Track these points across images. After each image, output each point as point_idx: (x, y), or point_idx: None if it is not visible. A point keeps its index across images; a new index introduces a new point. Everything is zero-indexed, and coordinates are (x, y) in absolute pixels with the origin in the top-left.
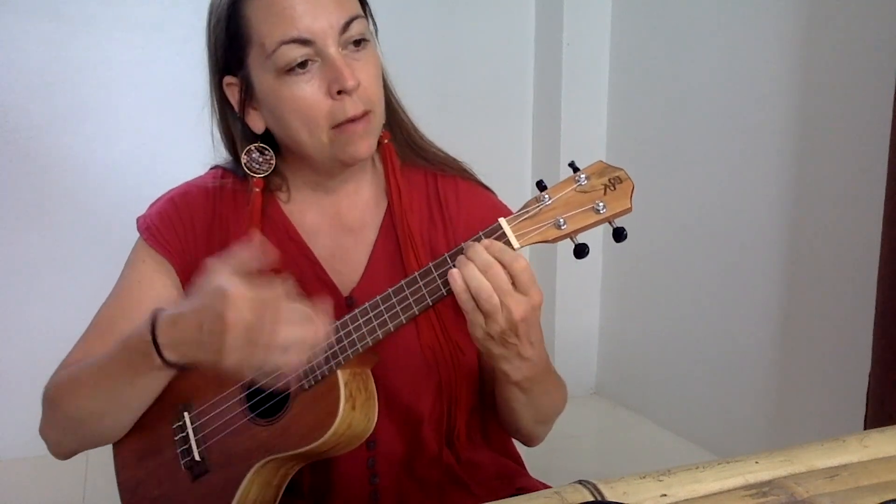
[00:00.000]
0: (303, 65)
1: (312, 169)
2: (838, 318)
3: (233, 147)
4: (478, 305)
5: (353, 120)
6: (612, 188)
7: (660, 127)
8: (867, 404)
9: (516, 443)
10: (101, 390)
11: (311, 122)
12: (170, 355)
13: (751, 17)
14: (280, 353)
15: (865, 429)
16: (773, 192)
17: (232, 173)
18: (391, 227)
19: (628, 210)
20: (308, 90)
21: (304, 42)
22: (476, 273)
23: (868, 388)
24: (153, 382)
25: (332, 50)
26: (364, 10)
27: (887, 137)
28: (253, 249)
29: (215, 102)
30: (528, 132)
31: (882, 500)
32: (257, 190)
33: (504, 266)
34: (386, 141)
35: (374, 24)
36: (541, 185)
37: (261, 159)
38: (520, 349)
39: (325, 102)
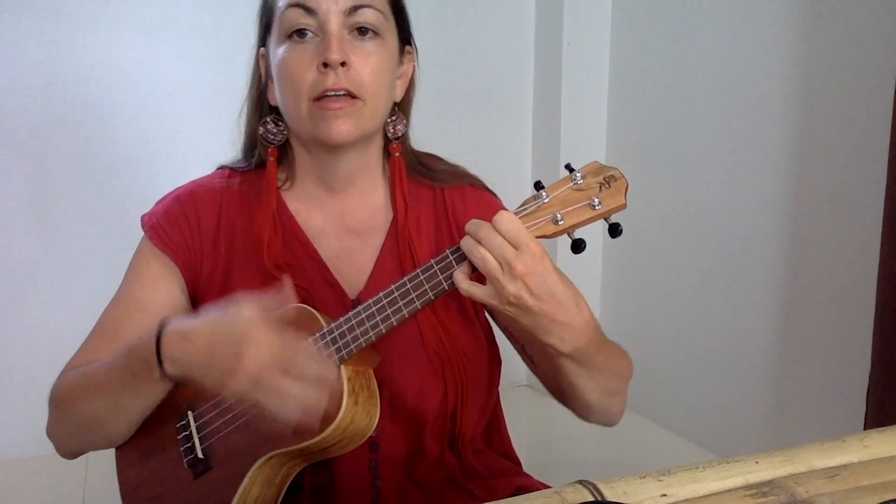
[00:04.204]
0: (301, 33)
1: (311, 157)
2: (838, 318)
3: (256, 124)
4: (483, 267)
5: (332, 96)
6: (608, 186)
7: (659, 127)
8: (867, 404)
9: (515, 444)
10: (104, 395)
11: (297, 91)
12: (170, 368)
13: (751, 16)
14: (278, 401)
15: (865, 429)
16: (772, 192)
17: (240, 172)
18: (397, 234)
19: (623, 206)
20: (300, 58)
21: (308, 10)
22: (467, 239)
23: (868, 388)
24: (154, 392)
25: (333, 27)
26: (397, 18)
27: (887, 137)
28: (287, 295)
29: (254, 77)
30: (528, 132)
31: (882, 500)
32: (272, 159)
33: (494, 226)
34: (397, 154)
35: (412, 42)
36: (538, 185)
37: (275, 130)
38: (547, 311)
39: (310, 72)
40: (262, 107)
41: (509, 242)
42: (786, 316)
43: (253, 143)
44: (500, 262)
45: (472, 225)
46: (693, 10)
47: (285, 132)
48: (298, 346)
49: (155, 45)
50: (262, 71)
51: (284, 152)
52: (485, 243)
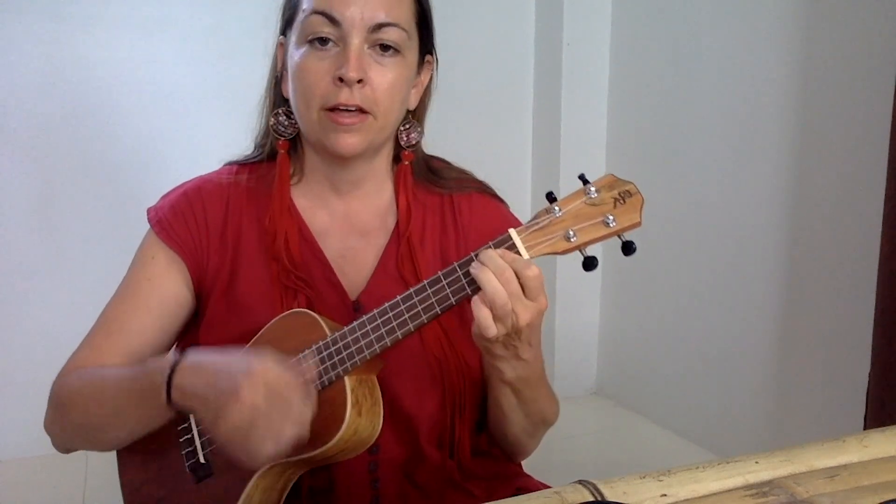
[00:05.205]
0: (323, 41)
1: (319, 158)
2: (838, 318)
3: (270, 113)
4: (491, 310)
5: (343, 109)
6: (622, 202)
7: (659, 127)
8: (867, 404)
9: None
10: (109, 407)
11: (309, 97)
12: (176, 396)
13: (751, 16)
14: (272, 445)
15: (865, 429)
16: (772, 193)
17: (247, 167)
18: (399, 238)
19: (638, 224)
20: (318, 66)
21: (332, 20)
22: (492, 277)
23: (868, 388)
24: (156, 416)
25: (356, 41)
26: (421, 32)
27: (887, 137)
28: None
29: (272, 64)
30: (528, 132)
31: (882, 500)
32: (283, 152)
33: (516, 273)
34: (406, 162)
35: (433, 52)
36: (550, 197)
37: (287, 122)
38: (518, 351)
39: (325, 82)
40: (275, 97)
41: (527, 295)
42: (786, 316)
43: (267, 132)
44: (513, 313)
45: (496, 265)
46: (693, 10)
47: (296, 125)
48: (295, 389)
49: (155, 44)
50: (279, 60)
51: (295, 145)
52: (504, 285)
